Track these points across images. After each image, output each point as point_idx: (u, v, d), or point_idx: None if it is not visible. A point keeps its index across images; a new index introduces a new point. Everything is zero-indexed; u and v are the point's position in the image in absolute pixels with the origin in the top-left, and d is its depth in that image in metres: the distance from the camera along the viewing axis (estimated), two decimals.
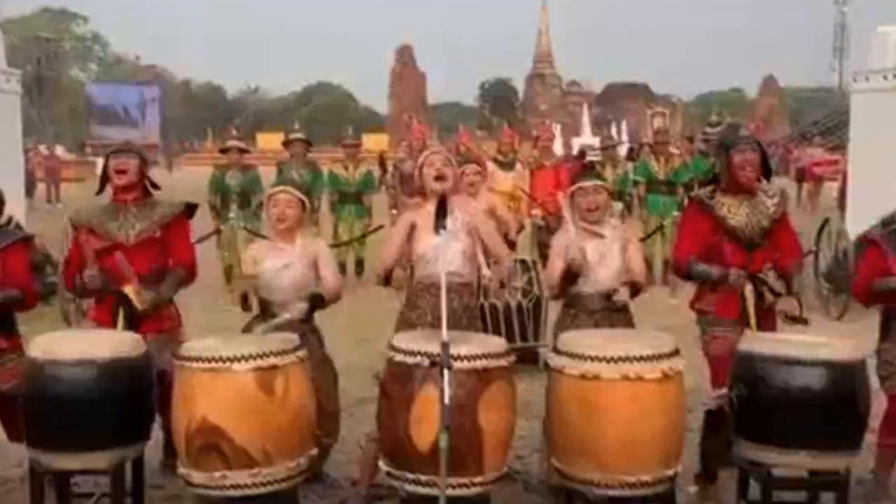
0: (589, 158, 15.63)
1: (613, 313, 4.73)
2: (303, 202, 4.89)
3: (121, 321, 4.60)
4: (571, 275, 4.65)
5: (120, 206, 4.85)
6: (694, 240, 4.83)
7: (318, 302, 4.74)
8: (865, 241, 4.83)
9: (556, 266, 4.75)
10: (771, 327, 4.72)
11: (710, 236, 4.77)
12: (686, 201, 6.58)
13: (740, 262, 4.68)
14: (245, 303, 4.68)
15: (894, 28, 11.02)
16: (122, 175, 4.82)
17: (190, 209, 5.03)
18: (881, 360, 4.67)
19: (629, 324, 4.80)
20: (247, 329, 4.70)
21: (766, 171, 4.86)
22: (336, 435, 4.90)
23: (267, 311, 4.72)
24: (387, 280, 4.65)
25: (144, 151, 5.03)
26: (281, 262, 4.74)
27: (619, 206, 11.05)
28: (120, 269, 4.62)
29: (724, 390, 4.43)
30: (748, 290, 4.62)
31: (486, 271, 4.78)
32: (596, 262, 4.69)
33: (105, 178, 4.95)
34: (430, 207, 4.47)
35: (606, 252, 4.73)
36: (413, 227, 4.59)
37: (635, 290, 4.89)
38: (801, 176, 24.43)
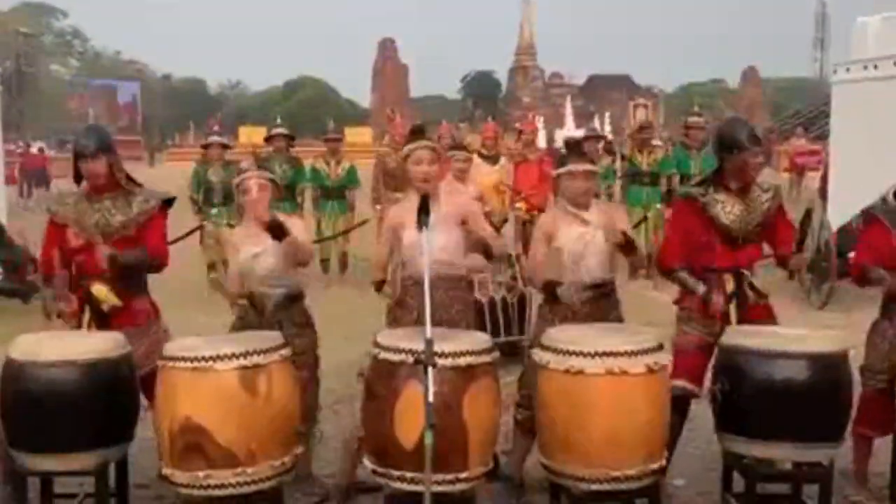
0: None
1: (601, 302, 4.56)
2: (274, 182, 4.79)
3: (86, 318, 4.53)
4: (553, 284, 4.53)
5: (94, 198, 4.70)
6: (683, 239, 4.72)
7: (277, 231, 4.47)
8: (868, 218, 4.74)
9: (539, 251, 4.64)
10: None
11: (701, 235, 4.64)
12: (672, 196, 6.49)
13: (729, 258, 4.61)
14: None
15: (874, 18, 11.06)
16: (95, 178, 4.67)
17: (167, 203, 4.84)
18: (872, 342, 4.63)
19: (618, 314, 4.65)
20: (235, 326, 4.69)
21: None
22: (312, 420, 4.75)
23: (254, 299, 4.64)
24: (378, 288, 4.73)
25: (111, 145, 4.75)
26: (254, 251, 4.63)
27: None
28: (91, 267, 4.57)
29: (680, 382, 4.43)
30: (731, 289, 4.56)
31: (468, 262, 4.73)
32: (580, 252, 4.53)
33: (78, 174, 4.76)
34: (415, 201, 4.45)
35: (590, 240, 4.54)
36: (399, 226, 4.58)
37: (630, 248, 4.58)
38: (788, 167, 24.53)
